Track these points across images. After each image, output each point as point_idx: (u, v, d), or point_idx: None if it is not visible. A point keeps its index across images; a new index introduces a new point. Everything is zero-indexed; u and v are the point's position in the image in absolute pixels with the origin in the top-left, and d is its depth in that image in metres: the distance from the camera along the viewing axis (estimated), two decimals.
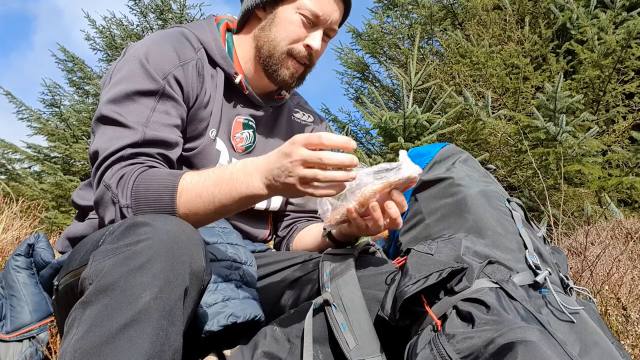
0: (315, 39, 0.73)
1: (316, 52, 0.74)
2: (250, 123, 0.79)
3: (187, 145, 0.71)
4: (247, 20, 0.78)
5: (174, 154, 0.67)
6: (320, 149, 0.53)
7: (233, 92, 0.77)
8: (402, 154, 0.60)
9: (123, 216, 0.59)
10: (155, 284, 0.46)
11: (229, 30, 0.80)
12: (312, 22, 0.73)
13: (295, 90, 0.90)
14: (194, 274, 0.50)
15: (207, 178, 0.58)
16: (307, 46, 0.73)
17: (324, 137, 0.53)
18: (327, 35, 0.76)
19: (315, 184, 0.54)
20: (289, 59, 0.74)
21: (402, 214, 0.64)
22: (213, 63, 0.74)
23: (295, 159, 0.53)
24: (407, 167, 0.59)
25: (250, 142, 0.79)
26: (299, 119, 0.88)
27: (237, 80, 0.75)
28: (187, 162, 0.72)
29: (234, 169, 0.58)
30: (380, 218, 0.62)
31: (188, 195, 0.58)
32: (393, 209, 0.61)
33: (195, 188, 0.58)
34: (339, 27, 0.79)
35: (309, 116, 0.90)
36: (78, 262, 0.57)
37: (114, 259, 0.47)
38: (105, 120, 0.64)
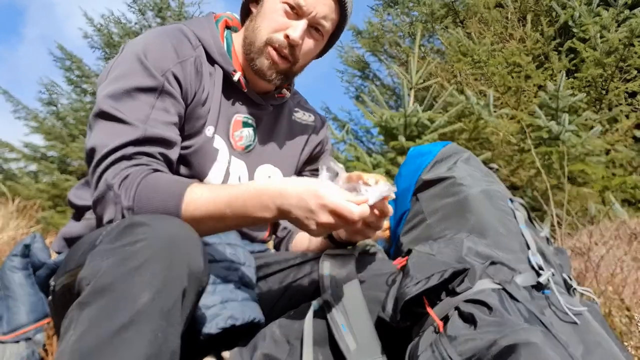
0: (296, 29, 0.70)
1: (295, 42, 0.71)
2: (250, 121, 0.78)
3: (185, 144, 0.70)
4: (245, 17, 0.78)
5: (174, 153, 0.66)
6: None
7: (232, 90, 0.76)
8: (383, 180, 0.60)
9: (123, 217, 0.58)
10: (153, 284, 0.45)
11: (228, 27, 0.79)
12: (296, 13, 0.71)
13: (296, 90, 0.89)
14: (193, 275, 0.49)
15: (218, 197, 0.58)
16: (287, 36, 0.71)
17: (356, 214, 0.56)
18: (316, 30, 0.73)
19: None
20: (267, 47, 0.72)
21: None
22: (211, 61, 0.74)
23: (323, 222, 0.56)
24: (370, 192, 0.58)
25: (251, 141, 0.78)
26: (299, 118, 0.87)
27: (235, 78, 0.74)
28: (185, 161, 0.71)
29: (247, 196, 0.57)
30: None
31: (196, 211, 0.57)
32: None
33: (205, 205, 0.57)
34: (338, 28, 0.77)
35: (309, 116, 0.89)
36: (75, 262, 0.57)
37: (111, 259, 0.47)
38: (104, 115, 0.63)
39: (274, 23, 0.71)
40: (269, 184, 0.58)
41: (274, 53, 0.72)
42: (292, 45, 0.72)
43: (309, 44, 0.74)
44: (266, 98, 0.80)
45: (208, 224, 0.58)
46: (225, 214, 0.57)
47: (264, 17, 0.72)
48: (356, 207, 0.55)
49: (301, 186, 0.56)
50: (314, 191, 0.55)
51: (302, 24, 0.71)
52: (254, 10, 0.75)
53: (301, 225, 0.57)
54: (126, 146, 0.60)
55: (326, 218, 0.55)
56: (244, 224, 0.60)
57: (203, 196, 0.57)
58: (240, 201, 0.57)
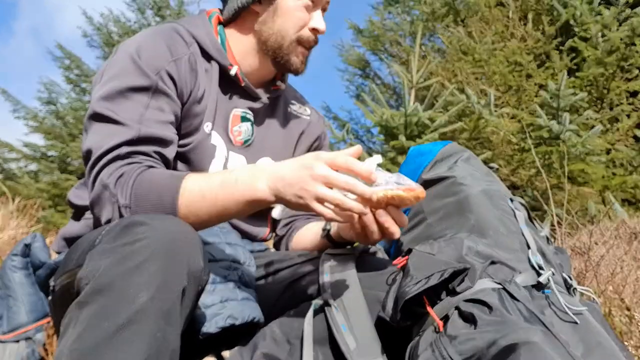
0: (320, 20, 0.74)
1: (323, 33, 0.75)
2: (247, 116, 0.78)
3: (182, 142, 0.70)
4: (238, 15, 0.77)
5: (170, 151, 0.66)
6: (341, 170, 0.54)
7: (229, 85, 0.76)
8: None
9: (121, 216, 0.58)
10: (152, 284, 0.45)
11: (220, 23, 0.79)
12: (313, 3, 0.74)
13: (290, 84, 0.89)
14: (192, 274, 0.49)
15: (211, 181, 0.58)
16: (314, 29, 0.74)
17: (350, 163, 0.54)
18: (324, 10, 0.77)
19: (328, 205, 0.54)
20: (298, 46, 0.75)
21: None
22: (207, 57, 0.74)
23: (317, 174, 0.53)
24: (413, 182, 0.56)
25: (249, 136, 0.78)
26: (295, 110, 0.87)
27: (232, 72, 0.74)
28: (183, 158, 0.71)
29: (240, 173, 0.58)
30: (375, 231, 0.59)
31: (190, 197, 0.57)
32: (389, 222, 0.58)
33: (199, 190, 0.57)
34: None
35: (305, 109, 0.89)
36: (74, 262, 0.57)
37: (111, 258, 0.47)
38: (98, 117, 0.63)
39: (300, 21, 0.73)
40: (262, 164, 0.58)
41: (303, 49, 0.75)
42: (317, 35, 0.75)
43: None
44: (262, 91, 0.80)
45: (201, 215, 0.57)
46: (218, 194, 0.57)
47: (285, 18, 0.73)
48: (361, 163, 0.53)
49: (294, 165, 0.55)
50: (307, 164, 0.54)
51: (320, 13, 0.75)
52: (258, 10, 0.75)
53: (293, 189, 0.54)
54: (120, 146, 0.61)
55: (325, 171, 0.53)
56: (238, 207, 0.57)
57: (196, 182, 0.58)
58: (232, 179, 0.57)
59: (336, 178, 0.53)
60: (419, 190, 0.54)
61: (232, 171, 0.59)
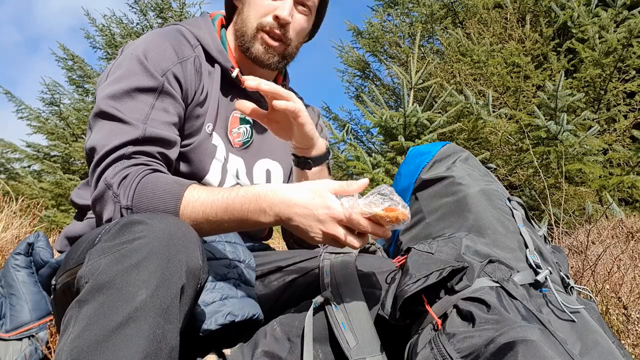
0: (283, 8, 0.72)
1: (285, 21, 0.72)
2: (247, 118, 0.79)
3: (184, 142, 0.71)
4: (231, 14, 0.79)
5: (173, 153, 0.67)
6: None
7: (230, 87, 0.77)
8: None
9: (122, 216, 0.58)
10: (151, 281, 0.45)
11: (222, 26, 0.80)
12: None
13: (291, 87, 0.90)
14: (191, 272, 0.49)
15: (215, 201, 0.57)
16: (276, 17, 0.73)
17: (362, 226, 0.54)
18: (303, 5, 0.75)
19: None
20: (259, 33, 0.74)
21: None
22: (210, 59, 0.75)
23: (329, 233, 0.54)
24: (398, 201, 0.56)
25: (248, 138, 0.79)
26: None
27: (234, 74, 0.75)
28: (184, 157, 0.71)
29: (245, 199, 0.57)
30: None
31: (194, 213, 0.57)
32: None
33: (202, 208, 0.57)
34: (322, 4, 0.78)
35: None
36: (74, 261, 0.57)
37: (110, 257, 0.47)
38: (103, 115, 0.63)
39: (261, 9, 0.73)
40: (269, 189, 0.56)
41: (267, 37, 0.73)
42: (283, 25, 0.73)
43: (299, 20, 0.75)
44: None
45: (206, 227, 0.58)
46: (223, 218, 0.57)
47: (250, 6, 0.74)
48: (366, 222, 0.53)
49: (307, 196, 0.54)
50: (322, 203, 0.54)
51: (288, 2, 0.73)
52: (238, 5, 0.76)
53: (303, 233, 0.56)
54: (125, 146, 0.61)
55: (334, 229, 0.54)
56: (242, 228, 0.59)
57: (200, 199, 0.57)
58: (237, 205, 0.57)
59: (344, 234, 0.54)
60: (399, 211, 0.54)
61: (236, 196, 0.57)
